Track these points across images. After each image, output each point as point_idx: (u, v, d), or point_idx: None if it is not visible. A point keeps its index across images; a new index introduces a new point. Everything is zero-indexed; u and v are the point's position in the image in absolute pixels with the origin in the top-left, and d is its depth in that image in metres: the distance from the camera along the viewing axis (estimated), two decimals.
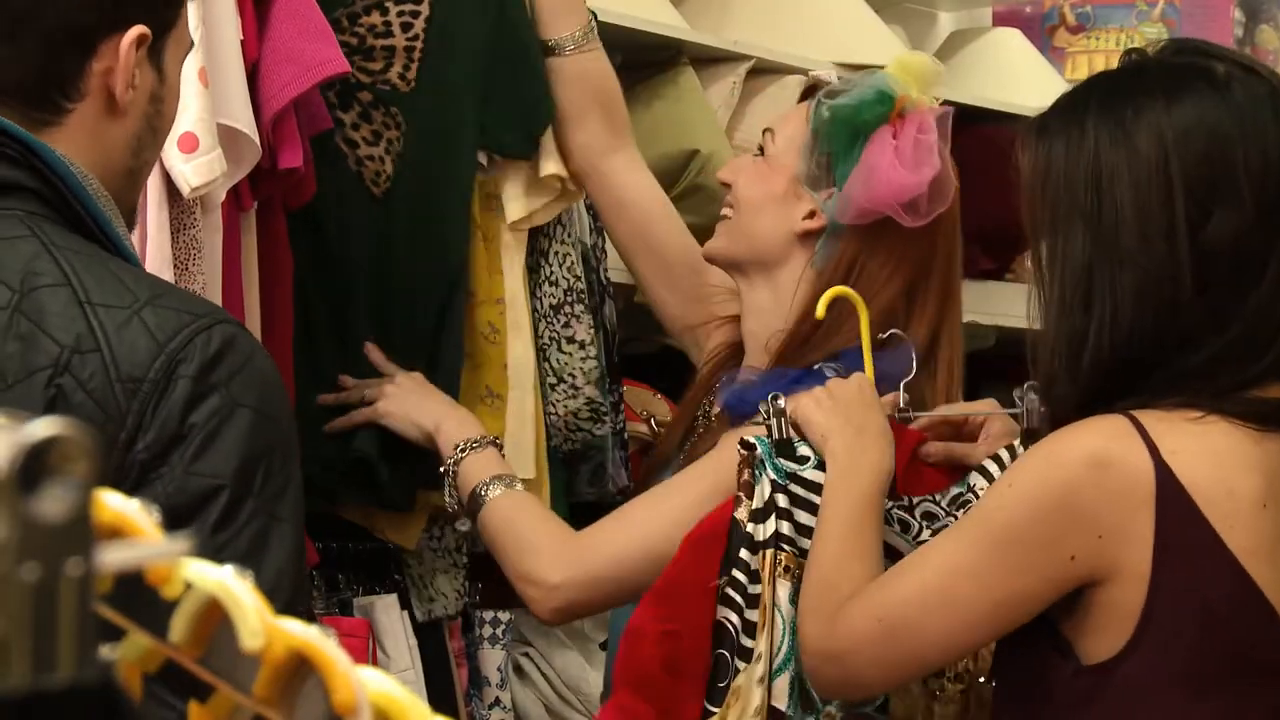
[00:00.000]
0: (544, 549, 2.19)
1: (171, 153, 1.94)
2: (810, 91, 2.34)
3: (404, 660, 2.42)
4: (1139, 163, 1.70)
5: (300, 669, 0.76)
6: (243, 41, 2.08)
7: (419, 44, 2.41)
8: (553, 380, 2.54)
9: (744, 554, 1.90)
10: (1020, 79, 3.78)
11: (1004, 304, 3.32)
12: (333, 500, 2.41)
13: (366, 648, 2.34)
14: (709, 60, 3.05)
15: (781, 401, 1.97)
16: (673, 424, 2.42)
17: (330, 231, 2.38)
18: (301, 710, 0.76)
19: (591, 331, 2.56)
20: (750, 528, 1.90)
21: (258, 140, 2.07)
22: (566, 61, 2.47)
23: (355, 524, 2.46)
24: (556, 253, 2.55)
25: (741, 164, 2.34)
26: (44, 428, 0.67)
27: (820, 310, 2.05)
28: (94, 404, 1.47)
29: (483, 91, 2.43)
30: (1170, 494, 1.65)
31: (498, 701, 2.64)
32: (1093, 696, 1.68)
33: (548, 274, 2.55)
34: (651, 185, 2.51)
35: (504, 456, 2.33)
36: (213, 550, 1.45)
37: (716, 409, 2.26)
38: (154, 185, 1.94)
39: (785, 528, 1.91)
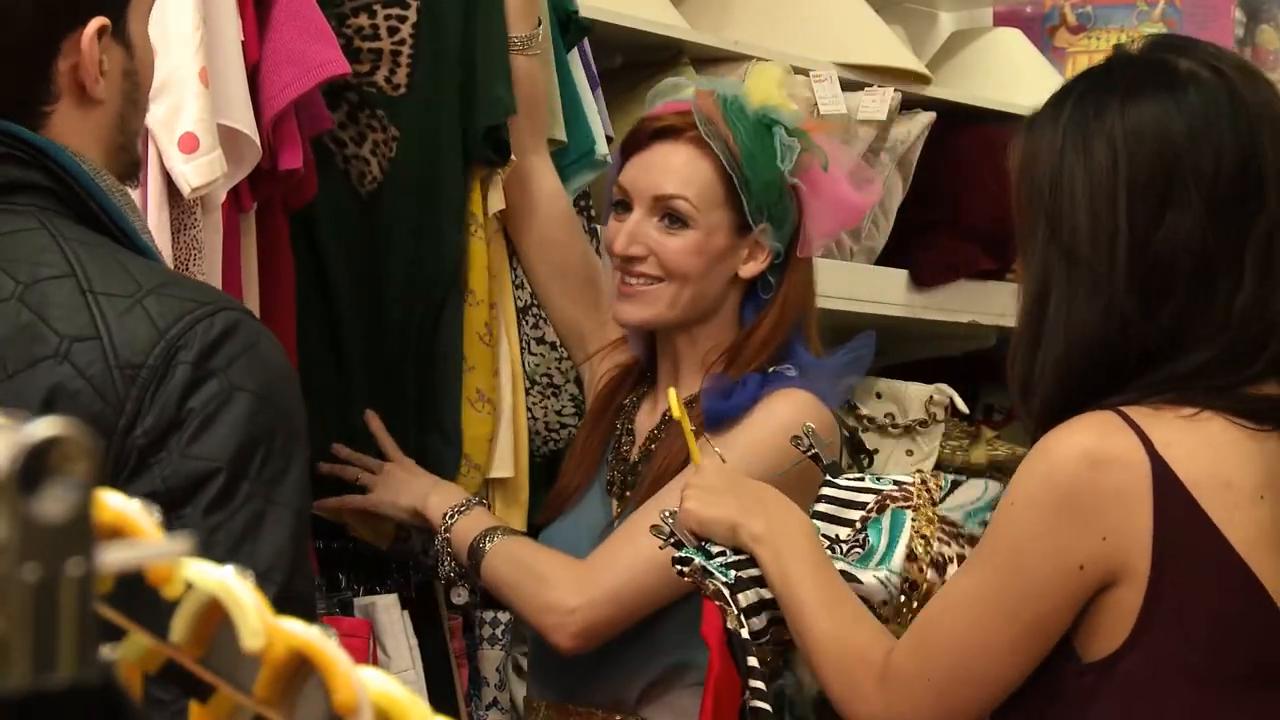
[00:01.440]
0: (556, 577, 2.22)
1: (172, 153, 1.94)
2: (663, 134, 2.31)
3: (404, 660, 2.42)
4: (1093, 167, 1.68)
5: (301, 669, 0.76)
6: (243, 42, 2.09)
7: (405, 48, 2.41)
8: (526, 383, 2.54)
9: (752, 661, 1.85)
10: (1021, 79, 3.77)
11: (1004, 304, 3.31)
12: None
13: (367, 648, 2.34)
14: (709, 60, 3.05)
15: (667, 513, 1.96)
16: (583, 449, 2.40)
17: (318, 226, 2.40)
18: (302, 710, 0.76)
19: None
20: (744, 633, 1.86)
21: (258, 141, 2.08)
22: (512, 59, 2.46)
23: None
24: None
25: (649, 236, 2.29)
26: (44, 428, 0.66)
27: (676, 410, 2.03)
28: (93, 391, 1.47)
29: (464, 94, 2.43)
30: (1167, 488, 1.63)
31: (496, 702, 2.64)
32: (1096, 693, 1.67)
33: (515, 279, 2.55)
34: (559, 189, 2.52)
35: (493, 512, 2.38)
36: (206, 532, 1.45)
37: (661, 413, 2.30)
38: (154, 186, 1.94)
39: (756, 623, 1.87)
